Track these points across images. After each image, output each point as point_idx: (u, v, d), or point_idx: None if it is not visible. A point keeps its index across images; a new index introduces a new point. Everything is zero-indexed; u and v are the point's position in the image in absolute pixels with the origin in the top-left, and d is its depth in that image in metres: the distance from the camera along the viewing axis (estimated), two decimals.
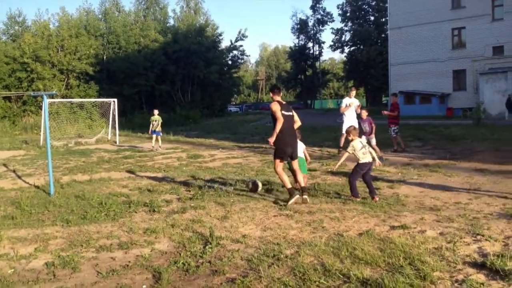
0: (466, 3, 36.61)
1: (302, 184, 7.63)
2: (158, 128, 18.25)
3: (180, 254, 5.23)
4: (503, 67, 33.09)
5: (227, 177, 10.61)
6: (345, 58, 73.72)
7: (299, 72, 79.43)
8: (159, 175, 11.66)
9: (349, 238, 5.41)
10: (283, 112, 7.45)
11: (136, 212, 7.41)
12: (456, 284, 4.01)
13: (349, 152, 7.76)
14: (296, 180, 7.84)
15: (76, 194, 8.98)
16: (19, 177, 12.12)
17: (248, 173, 11.17)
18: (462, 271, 4.29)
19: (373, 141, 12.51)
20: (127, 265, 4.96)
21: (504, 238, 5.18)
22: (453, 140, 16.38)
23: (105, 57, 46.52)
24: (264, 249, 5.19)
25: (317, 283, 4.17)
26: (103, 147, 20.84)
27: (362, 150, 7.59)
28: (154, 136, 18.31)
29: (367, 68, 61.55)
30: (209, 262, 4.90)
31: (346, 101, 14.17)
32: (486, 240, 5.13)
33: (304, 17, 78.09)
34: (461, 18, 36.80)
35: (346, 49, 70.32)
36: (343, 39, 70.15)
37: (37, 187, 10.23)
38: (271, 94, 7.90)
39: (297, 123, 7.93)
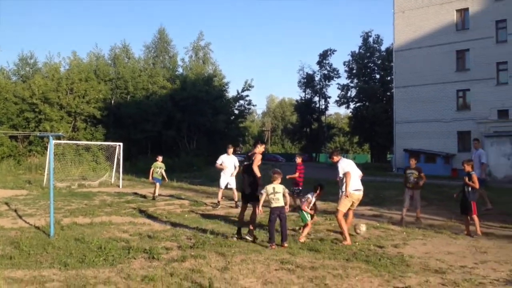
0: (470, 66, 37.16)
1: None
2: (160, 176, 17.33)
3: None
4: (508, 131, 33.18)
5: (229, 226, 10.50)
6: (350, 114, 74.34)
7: (305, 125, 80.00)
8: (161, 221, 11.55)
9: None
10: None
11: (135, 258, 7.30)
12: None
13: (261, 193, 8.38)
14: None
15: (75, 237, 8.89)
16: (20, 216, 12.05)
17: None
18: None
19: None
20: None
21: None
22: (457, 201, 16.15)
23: (113, 102, 47.04)
24: None
25: None
26: (105, 190, 20.76)
27: (271, 195, 8.23)
28: (157, 184, 17.23)
29: (372, 125, 61.86)
30: None
31: (222, 158, 14.45)
32: None
33: (311, 72, 79.06)
34: (466, 80, 37.24)
35: (352, 105, 71.13)
36: (348, 94, 71.01)
37: (37, 227, 10.15)
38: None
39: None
